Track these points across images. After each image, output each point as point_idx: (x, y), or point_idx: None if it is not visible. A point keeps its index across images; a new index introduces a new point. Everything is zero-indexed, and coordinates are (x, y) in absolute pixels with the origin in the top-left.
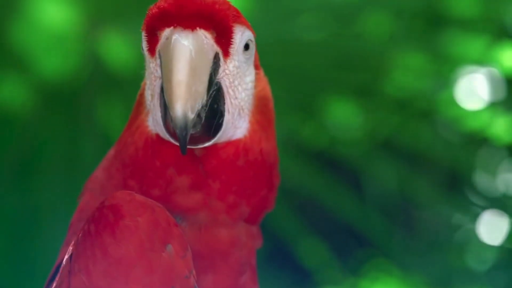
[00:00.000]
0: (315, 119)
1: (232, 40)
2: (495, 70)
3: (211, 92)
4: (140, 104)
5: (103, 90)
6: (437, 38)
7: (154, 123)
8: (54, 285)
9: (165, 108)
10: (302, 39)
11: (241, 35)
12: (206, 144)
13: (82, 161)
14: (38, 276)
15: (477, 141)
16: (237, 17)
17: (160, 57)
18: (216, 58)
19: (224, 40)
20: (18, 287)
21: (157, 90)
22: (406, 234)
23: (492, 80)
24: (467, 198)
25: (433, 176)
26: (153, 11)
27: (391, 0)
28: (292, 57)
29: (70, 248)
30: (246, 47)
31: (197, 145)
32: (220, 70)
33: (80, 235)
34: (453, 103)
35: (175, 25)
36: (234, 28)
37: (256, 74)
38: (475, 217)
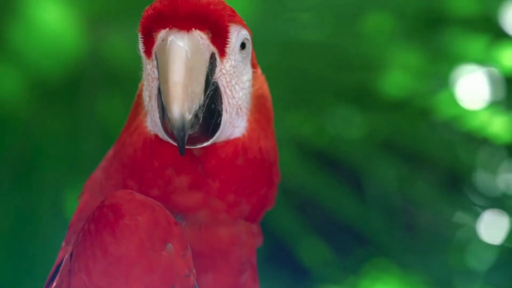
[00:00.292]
0: (315, 119)
1: (227, 40)
2: (494, 70)
3: (208, 92)
4: (138, 105)
5: (103, 88)
6: (437, 38)
7: (152, 124)
8: (54, 284)
9: (163, 109)
10: (303, 39)
11: (237, 35)
12: (205, 144)
13: (82, 160)
14: (38, 275)
15: (477, 140)
16: (232, 17)
17: (156, 59)
18: (212, 58)
19: (220, 40)
20: (18, 286)
21: (155, 91)
22: (406, 234)
23: (492, 80)
24: (467, 198)
25: (433, 175)
26: (148, 12)
27: (390, 0)
28: (292, 57)
29: (70, 247)
30: (243, 46)
31: (195, 145)
32: (217, 70)
33: (80, 234)
34: (453, 102)
35: (171, 26)
36: (229, 28)
37: (253, 72)
38: (475, 216)
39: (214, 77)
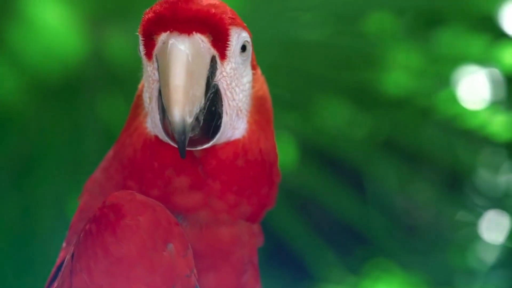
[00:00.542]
0: (316, 118)
1: (228, 43)
2: (495, 69)
3: (208, 95)
4: (138, 106)
5: (104, 88)
6: (437, 37)
7: (152, 125)
8: (55, 284)
9: (163, 111)
10: (304, 39)
11: (237, 37)
12: (205, 146)
13: (84, 160)
14: (39, 275)
15: (478, 140)
16: (233, 19)
17: (157, 61)
18: (213, 61)
19: (220, 43)
20: (19, 286)
21: (155, 93)
22: (407, 233)
23: (492, 79)
24: (468, 197)
25: (434, 175)
26: (149, 15)
27: None
28: (293, 57)
29: (72, 247)
30: (243, 48)
31: (196, 147)
32: (217, 72)
33: (81, 234)
34: (453, 102)
35: (171, 29)
36: (230, 31)
37: (253, 74)
38: (476, 216)
39: (214, 80)
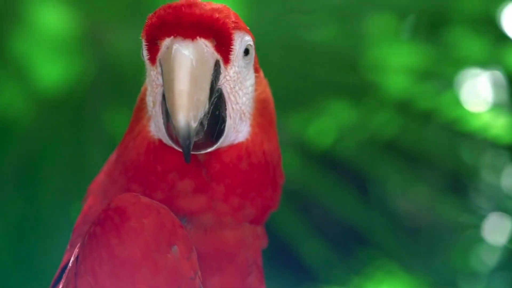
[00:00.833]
0: (318, 120)
1: (232, 47)
2: (497, 72)
3: (212, 99)
4: (141, 109)
5: (109, 94)
6: (440, 40)
7: (156, 129)
8: (60, 286)
9: (167, 115)
10: (306, 40)
11: (241, 41)
12: (209, 150)
13: (88, 166)
14: (43, 278)
15: (481, 143)
16: (236, 24)
17: (161, 66)
18: (216, 65)
19: (224, 47)
20: None
21: (159, 97)
22: (409, 235)
23: (495, 81)
24: (471, 200)
25: (436, 177)
26: (152, 20)
27: (394, 1)
28: (295, 59)
29: (76, 250)
30: (246, 52)
31: (200, 151)
32: (221, 77)
33: (86, 237)
34: (456, 104)
35: (175, 34)
36: (233, 35)
37: (256, 77)
38: (479, 218)
39: (218, 84)
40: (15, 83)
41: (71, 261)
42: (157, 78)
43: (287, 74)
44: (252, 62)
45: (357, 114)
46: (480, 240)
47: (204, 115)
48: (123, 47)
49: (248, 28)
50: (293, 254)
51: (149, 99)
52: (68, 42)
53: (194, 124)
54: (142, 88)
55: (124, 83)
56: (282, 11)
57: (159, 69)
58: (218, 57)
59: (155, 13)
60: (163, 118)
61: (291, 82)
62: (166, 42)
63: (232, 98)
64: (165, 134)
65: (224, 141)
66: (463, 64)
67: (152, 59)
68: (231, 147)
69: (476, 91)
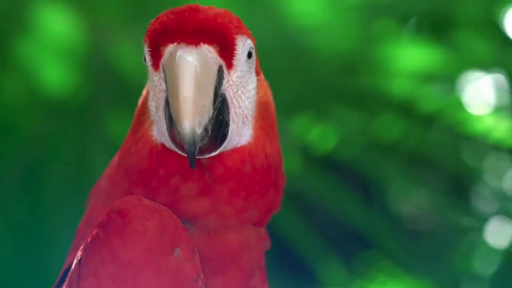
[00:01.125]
0: (321, 123)
1: (235, 52)
2: (500, 75)
3: (216, 104)
4: (143, 113)
5: (112, 99)
6: (444, 43)
7: (159, 133)
8: None
9: (170, 120)
10: (309, 44)
11: (243, 46)
12: (213, 154)
13: (91, 170)
14: (46, 281)
15: (484, 146)
16: (239, 28)
17: (164, 72)
18: (220, 70)
19: (227, 53)
20: None
21: (162, 102)
22: (412, 238)
23: (498, 85)
24: (474, 203)
25: (439, 180)
26: (155, 26)
27: (398, 3)
28: (298, 62)
29: (79, 252)
30: (248, 55)
31: (203, 155)
32: (224, 81)
33: (89, 239)
34: (459, 107)
35: (179, 41)
36: (236, 40)
37: (258, 80)
38: (481, 221)
39: (221, 89)
40: (19, 87)
41: (73, 263)
42: (160, 84)
43: (290, 77)
44: (254, 66)
45: (360, 117)
46: (482, 243)
47: (209, 121)
48: (126, 52)
49: (249, 31)
50: (295, 256)
51: (152, 104)
52: (72, 46)
53: (199, 130)
54: (143, 92)
55: (127, 87)
56: (284, 15)
57: (162, 75)
58: (222, 62)
59: (157, 19)
60: (166, 123)
61: (294, 86)
62: (170, 48)
63: (235, 103)
64: (168, 139)
65: (227, 145)
66: (466, 67)
67: (155, 65)
68: (234, 150)
69: (479, 94)
